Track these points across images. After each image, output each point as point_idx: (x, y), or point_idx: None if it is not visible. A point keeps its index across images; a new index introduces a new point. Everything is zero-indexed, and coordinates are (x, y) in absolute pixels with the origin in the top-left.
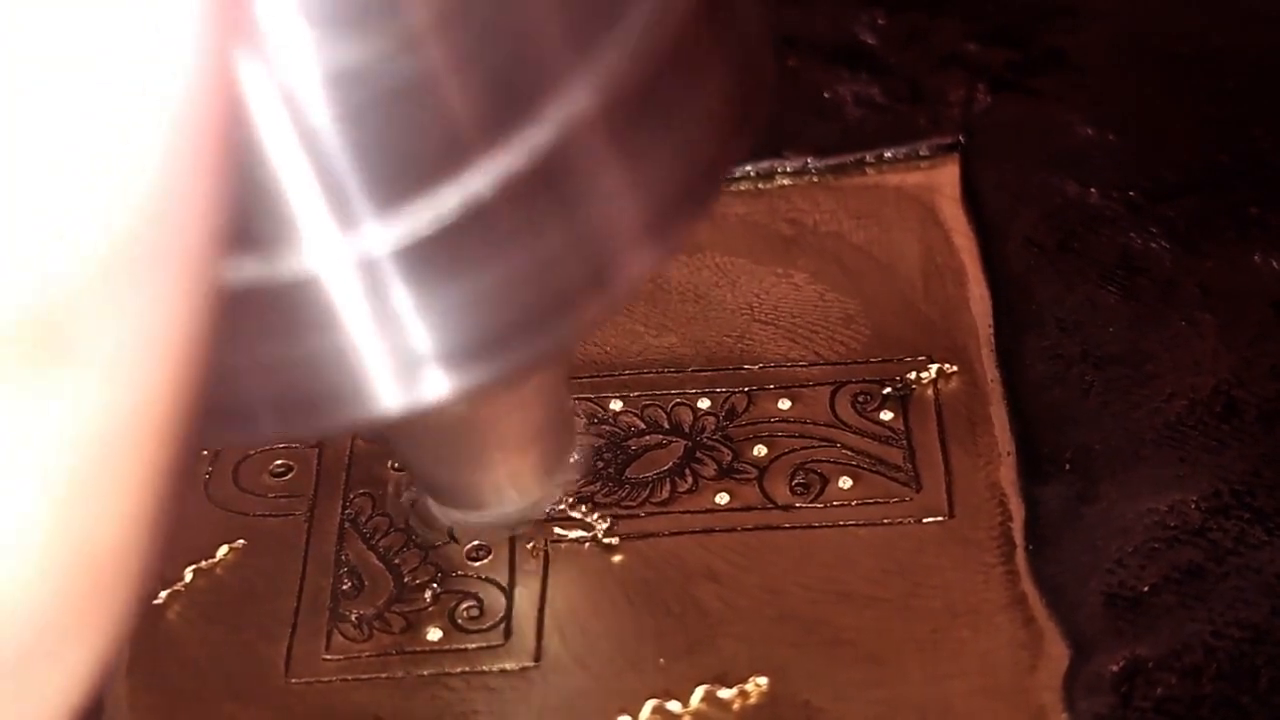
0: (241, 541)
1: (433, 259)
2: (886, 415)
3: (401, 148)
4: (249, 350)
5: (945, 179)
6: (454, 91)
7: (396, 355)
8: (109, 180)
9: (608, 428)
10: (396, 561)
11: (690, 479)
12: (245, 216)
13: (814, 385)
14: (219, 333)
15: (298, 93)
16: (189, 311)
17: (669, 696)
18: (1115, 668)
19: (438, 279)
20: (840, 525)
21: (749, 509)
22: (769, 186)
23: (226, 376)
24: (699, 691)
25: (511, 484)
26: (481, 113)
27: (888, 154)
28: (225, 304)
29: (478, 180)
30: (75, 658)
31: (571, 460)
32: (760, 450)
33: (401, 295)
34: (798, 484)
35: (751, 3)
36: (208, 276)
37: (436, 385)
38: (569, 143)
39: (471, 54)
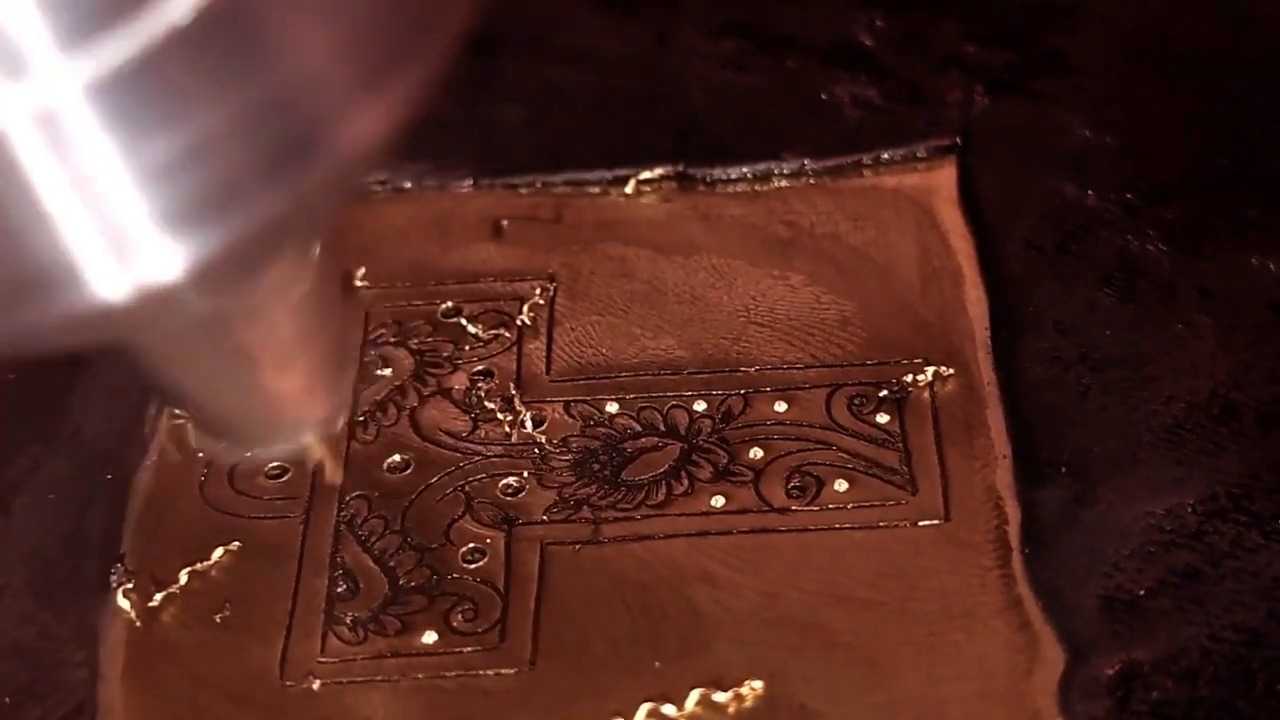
0: (236, 544)
1: (122, 108)
2: (883, 418)
3: None
4: None
5: (943, 181)
6: None
7: (103, 224)
8: None
9: (603, 430)
10: (392, 564)
11: (686, 481)
12: None
13: (810, 388)
14: None
15: None
16: None
17: (664, 700)
18: (1111, 671)
19: (132, 134)
20: (836, 528)
21: (745, 512)
22: (766, 188)
23: None
24: (694, 695)
25: (279, 411)
26: None
27: (885, 156)
28: None
29: (170, 9)
30: None
31: (352, 374)
32: (756, 453)
33: (95, 148)
34: (794, 487)
35: None
36: None
37: (160, 261)
38: None
39: None
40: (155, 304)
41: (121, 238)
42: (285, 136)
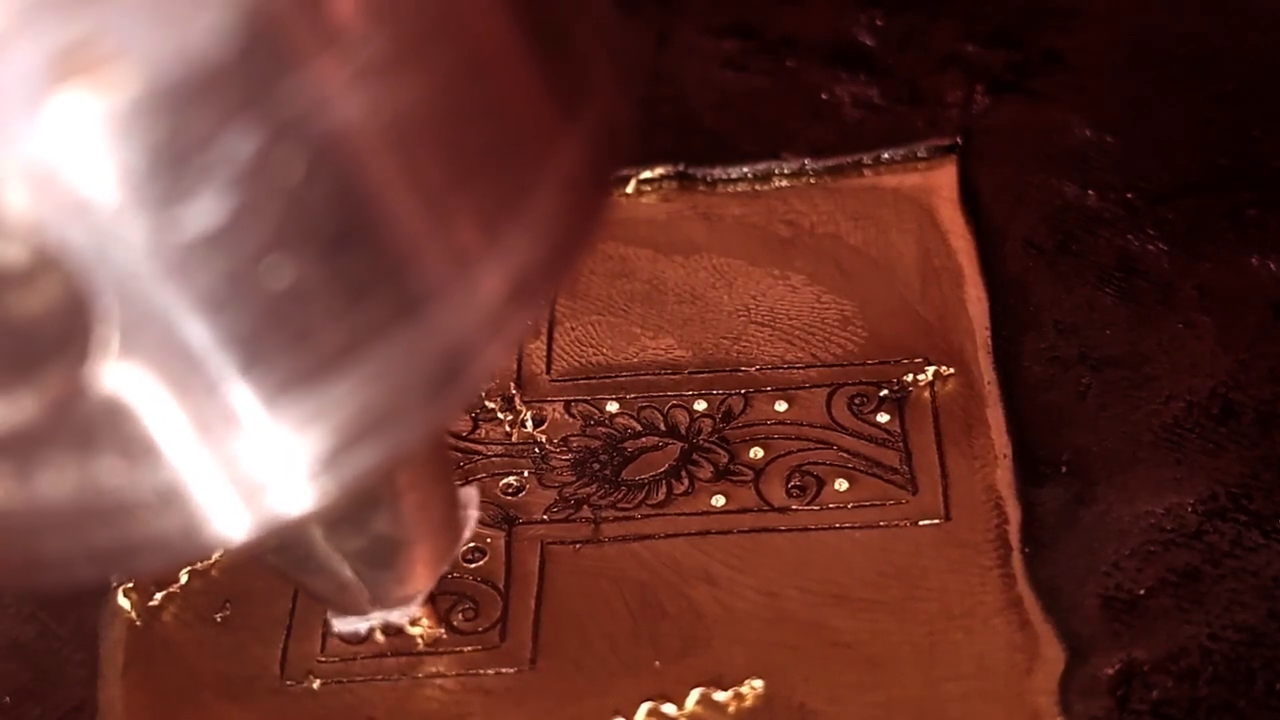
0: None
1: (257, 335)
2: (883, 417)
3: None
4: (59, 485)
5: (943, 180)
6: None
7: (237, 469)
8: None
9: (604, 429)
10: None
11: (686, 481)
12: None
13: (810, 387)
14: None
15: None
16: None
17: (664, 699)
18: (1111, 670)
19: (282, 381)
20: (836, 528)
21: (745, 511)
22: (766, 188)
23: (24, 527)
24: (694, 694)
25: (418, 579)
26: None
27: (885, 155)
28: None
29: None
30: None
31: (459, 547)
32: (757, 452)
33: (239, 405)
34: (794, 486)
35: (601, 55)
36: None
37: (292, 497)
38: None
39: None
40: (278, 535)
41: (258, 483)
42: (431, 371)
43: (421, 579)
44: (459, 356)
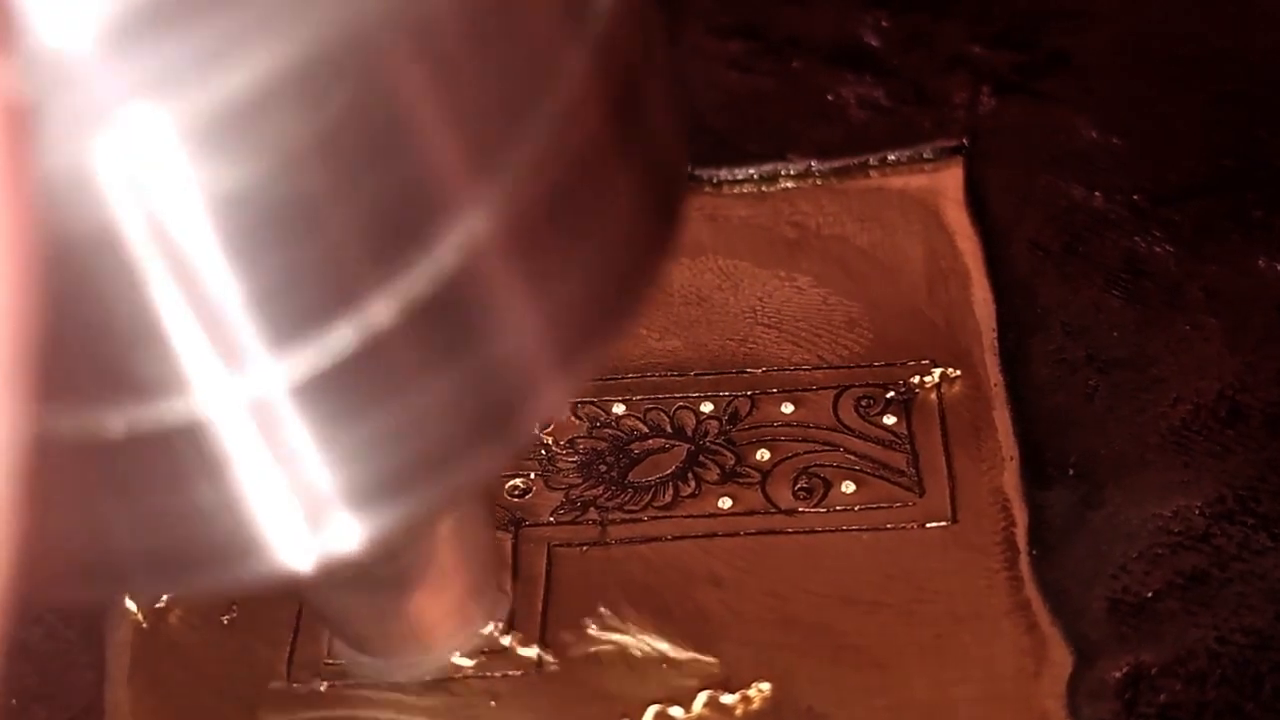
0: None
1: (332, 396)
2: (890, 419)
3: (289, 279)
4: (125, 505)
5: (949, 182)
6: (342, 216)
7: (297, 503)
8: None
9: (610, 431)
10: None
11: (693, 483)
12: (122, 359)
13: (817, 389)
14: (81, 489)
15: (171, 219)
16: None
17: (671, 702)
18: (1119, 674)
19: (338, 417)
20: (843, 530)
21: (752, 513)
22: (772, 189)
23: (96, 534)
24: (701, 696)
25: (430, 630)
26: (375, 239)
27: (891, 157)
28: (101, 457)
29: (376, 311)
30: None
31: (498, 597)
32: (763, 454)
33: (300, 437)
34: (801, 488)
35: (663, 102)
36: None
37: (345, 533)
38: (471, 267)
39: (359, 175)
40: (331, 569)
41: (312, 515)
42: (487, 412)
43: (460, 623)
44: (512, 395)
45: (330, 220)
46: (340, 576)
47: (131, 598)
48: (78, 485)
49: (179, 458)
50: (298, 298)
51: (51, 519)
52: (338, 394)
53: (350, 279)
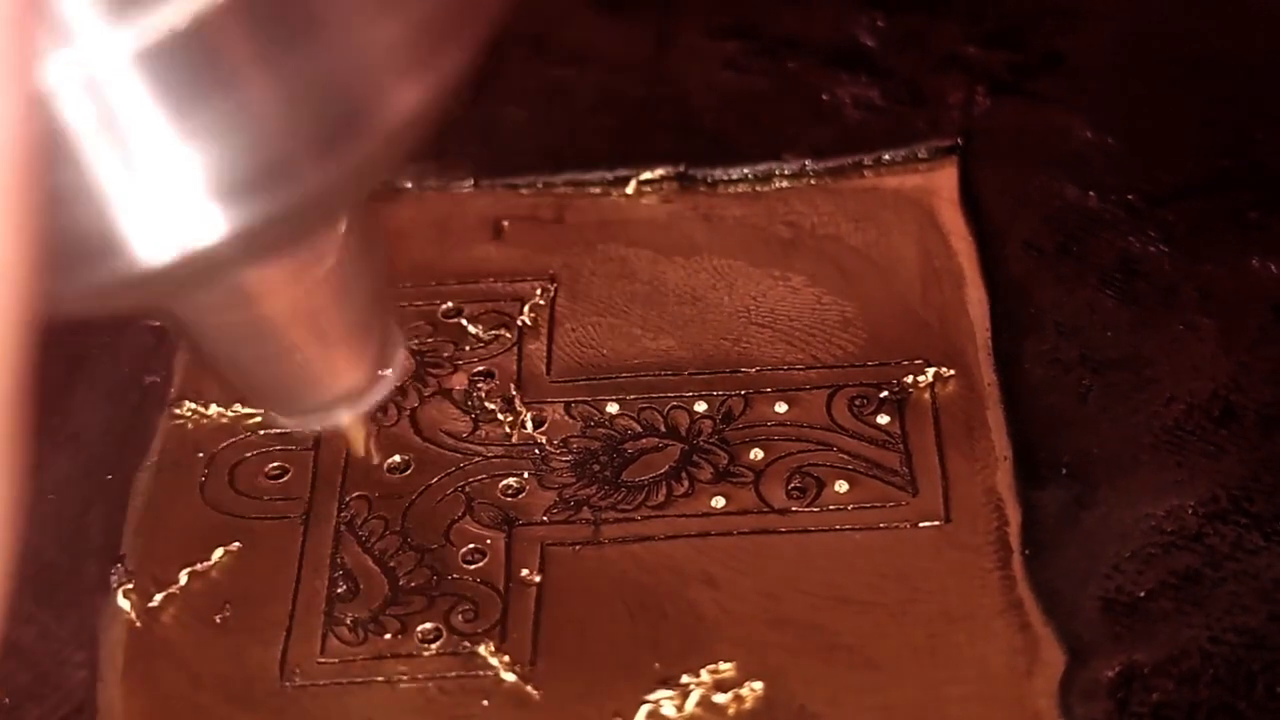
0: (237, 545)
1: (169, 77)
2: (883, 419)
3: None
4: None
5: (944, 182)
6: None
7: (151, 193)
8: None
9: (604, 431)
10: (392, 565)
11: (686, 482)
12: None
13: (811, 389)
14: None
15: None
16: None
17: (664, 700)
18: (1112, 673)
19: (179, 102)
20: (837, 529)
21: (745, 513)
22: (767, 189)
23: None
24: (694, 695)
25: (324, 378)
26: None
27: (886, 157)
28: None
29: None
30: None
31: (392, 360)
32: (757, 454)
33: (140, 118)
34: (794, 488)
35: None
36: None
37: (202, 226)
38: None
39: None
40: (195, 271)
41: (166, 206)
42: (334, 110)
43: (345, 374)
44: (357, 97)
45: None
46: (212, 308)
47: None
48: None
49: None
50: None
51: None
52: (175, 75)
53: None
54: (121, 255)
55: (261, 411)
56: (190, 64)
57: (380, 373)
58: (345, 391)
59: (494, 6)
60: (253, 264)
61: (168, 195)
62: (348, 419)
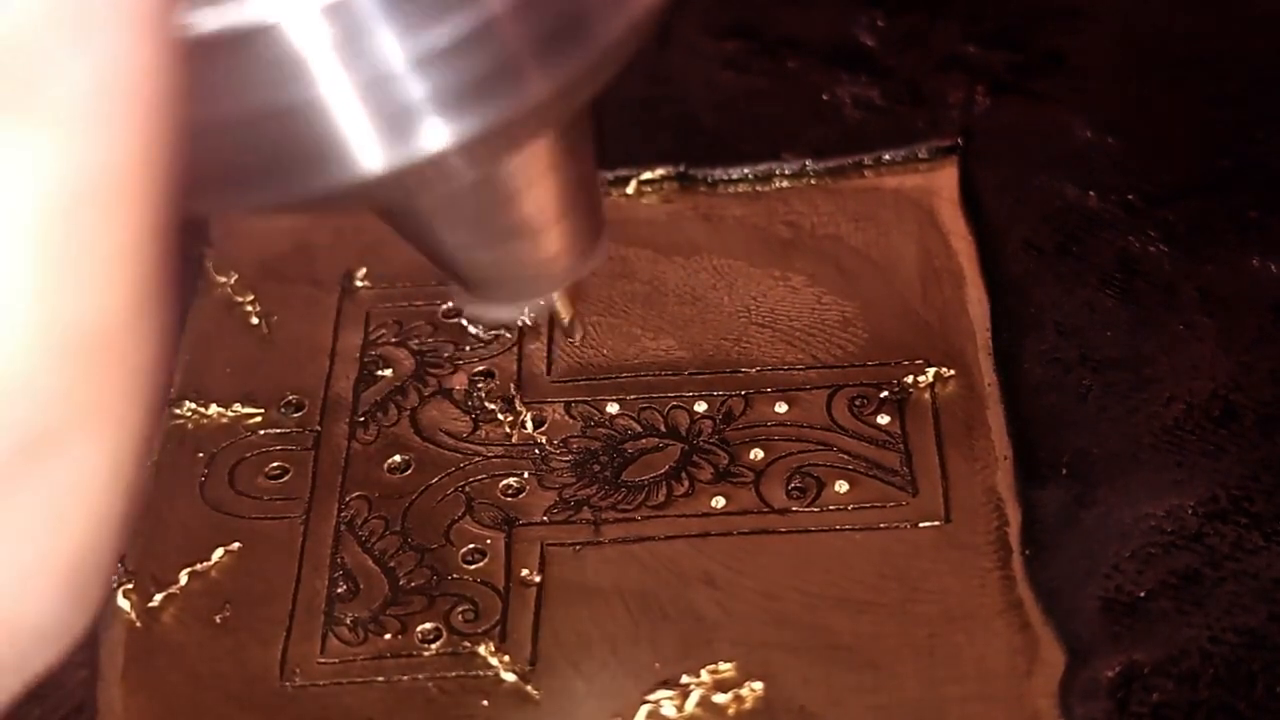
0: (237, 544)
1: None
2: (883, 419)
3: None
4: (225, 109)
5: (944, 182)
6: None
7: (381, 103)
8: None
9: (604, 430)
10: (392, 565)
11: (687, 482)
12: None
13: (811, 389)
14: (192, 89)
15: None
16: (151, 58)
17: (664, 701)
18: (1111, 673)
19: (423, 14)
20: (837, 529)
21: (745, 513)
22: (767, 189)
23: (206, 137)
24: (694, 695)
25: (541, 264)
26: None
27: (886, 156)
28: (192, 58)
29: None
30: (85, 451)
31: (599, 240)
32: (757, 454)
33: (380, 38)
34: (794, 488)
35: None
36: (167, 20)
37: (426, 137)
38: None
39: None
40: (416, 179)
41: (393, 118)
42: (561, 20)
43: (561, 254)
44: (580, 15)
45: None
46: (434, 203)
47: (248, 208)
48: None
49: (262, 61)
50: None
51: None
52: None
53: None
54: (346, 164)
55: (263, 411)
56: None
57: (588, 253)
58: (560, 272)
59: None
60: (472, 169)
61: (396, 108)
62: (558, 296)
